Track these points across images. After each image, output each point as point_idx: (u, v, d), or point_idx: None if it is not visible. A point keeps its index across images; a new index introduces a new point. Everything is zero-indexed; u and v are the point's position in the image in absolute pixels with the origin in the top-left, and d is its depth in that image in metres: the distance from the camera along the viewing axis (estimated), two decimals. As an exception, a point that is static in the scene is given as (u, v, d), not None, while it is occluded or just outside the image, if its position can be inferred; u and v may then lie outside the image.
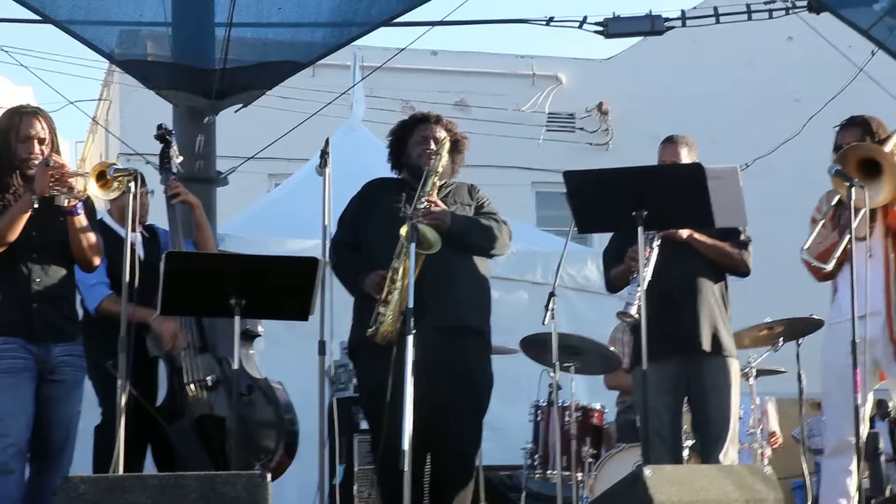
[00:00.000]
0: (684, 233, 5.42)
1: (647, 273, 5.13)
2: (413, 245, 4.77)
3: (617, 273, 5.56)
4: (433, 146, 5.27)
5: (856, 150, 4.89)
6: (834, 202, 5.03)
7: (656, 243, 5.32)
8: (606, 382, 7.81)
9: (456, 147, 5.37)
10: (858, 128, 5.17)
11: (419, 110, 5.54)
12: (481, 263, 5.29)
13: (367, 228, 5.26)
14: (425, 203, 5.05)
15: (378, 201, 5.32)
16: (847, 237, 4.86)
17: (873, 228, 5.01)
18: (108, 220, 5.84)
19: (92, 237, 4.96)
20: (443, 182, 5.30)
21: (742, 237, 5.56)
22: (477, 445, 5.30)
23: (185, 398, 5.61)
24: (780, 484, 4.58)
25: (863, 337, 4.66)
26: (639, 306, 4.98)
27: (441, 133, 5.33)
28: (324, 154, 5.20)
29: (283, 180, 10.89)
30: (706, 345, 5.38)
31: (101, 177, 4.83)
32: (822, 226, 5.05)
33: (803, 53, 15.00)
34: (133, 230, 4.86)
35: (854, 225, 4.80)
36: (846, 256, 4.90)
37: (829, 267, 4.99)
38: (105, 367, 5.32)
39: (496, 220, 5.32)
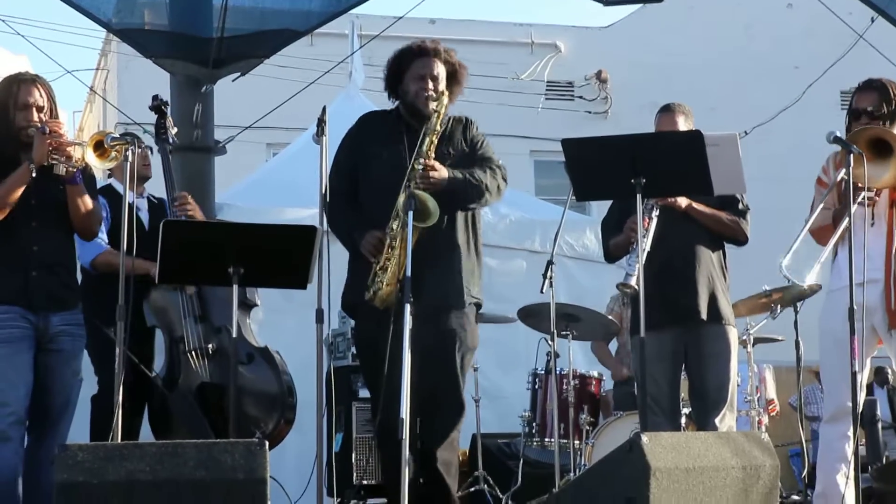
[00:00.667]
0: (683, 202, 5.41)
1: (646, 244, 5.13)
2: (410, 214, 4.73)
3: (616, 243, 5.56)
4: (431, 85, 5.11)
5: (867, 131, 4.85)
6: (842, 174, 4.99)
7: (655, 213, 5.31)
8: (593, 350, 7.86)
9: (454, 78, 5.20)
10: (875, 91, 5.08)
11: (417, 41, 5.28)
12: (475, 228, 5.23)
13: (364, 179, 5.14)
14: (423, 165, 4.98)
15: (374, 146, 5.17)
16: (846, 219, 4.84)
17: (878, 196, 4.98)
18: (116, 185, 5.89)
19: (91, 205, 4.95)
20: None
21: (740, 206, 5.56)
22: (460, 393, 5.15)
23: (184, 366, 5.63)
24: (776, 451, 4.60)
25: (860, 304, 4.65)
26: (638, 277, 4.98)
27: (439, 68, 5.15)
28: (321, 122, 5.16)
29: (282, 149, 10.88)
30: (704, 314, 5.39)
31: (99, 146, 4.82)
32: (823, 204, 5.01)
33: (803, 20, 14.96)
34: (134, 192, 4.85)
35: (859, 194, 4.78)
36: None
37: (828, 249, 4.96)
38: (103, 334, 5.35)
39: (491, 167, 5.16)
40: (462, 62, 5.29)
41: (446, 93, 5.12)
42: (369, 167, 5.14)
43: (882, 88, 5.07)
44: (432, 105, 5.06)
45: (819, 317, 5.17)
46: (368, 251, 4.95)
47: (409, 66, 5.18)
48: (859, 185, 4.74)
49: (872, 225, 4.92)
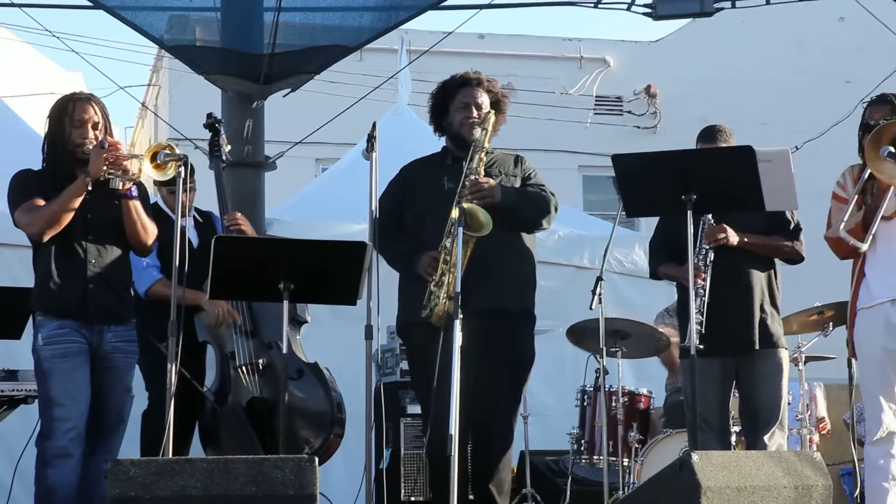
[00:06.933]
0: (734, 239, 5.36)
1: (704, 293, 5.16)
2: (461, 228, 4.73)
3: (666, 274, 5.56)
4: (475, 113, 5.15)
5: (891, 126, 4.81)
6: (865, 177, 4.93)
7: (710, 259, 5.27)
8: (663, 359, 7.73)
9: (497, 107, 5.23)
10: (888, 105, 5.08)
11: (460, 72, 5.34)
12: (528, 241, 5.24)
13: (411, 209, 5.19)
14: (473, 180, 4.98)
15: (419, 182, 5.22)
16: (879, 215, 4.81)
17: None
18: (162, 205, 5.92)
19: (146, 220, 5.02)
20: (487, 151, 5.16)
21: (791, 226, 5.51)
22: (515, 412, 5.23)
23: (235, 382, 5.66)
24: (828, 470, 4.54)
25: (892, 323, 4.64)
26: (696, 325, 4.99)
27: (483, 97, 5.19)
28: (371, 138, 5.19)
29: (331, 165, 10.92)
30: (757, 343, 5.35)
31: (155, 157, 4.86)
32: (854, 204, 4.94)
33: (854, 34, 14.81)
34: (184, 215, 4.89)
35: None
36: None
37: (866, 246, 4.89)
38: (155, 349, 5.38)
39: (544, 192, 5.22)
40: (504, 92, 5.31)
41: (492, 112, 5.13)
42: (414, 197, 5.19)
43: (894, 101, 5.04)
44: (477, 130, 5.09)
45: (855, 336, 5.08)
46: (425, 271, 4.96)
47: (453, 97, 5.23)
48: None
49: None
